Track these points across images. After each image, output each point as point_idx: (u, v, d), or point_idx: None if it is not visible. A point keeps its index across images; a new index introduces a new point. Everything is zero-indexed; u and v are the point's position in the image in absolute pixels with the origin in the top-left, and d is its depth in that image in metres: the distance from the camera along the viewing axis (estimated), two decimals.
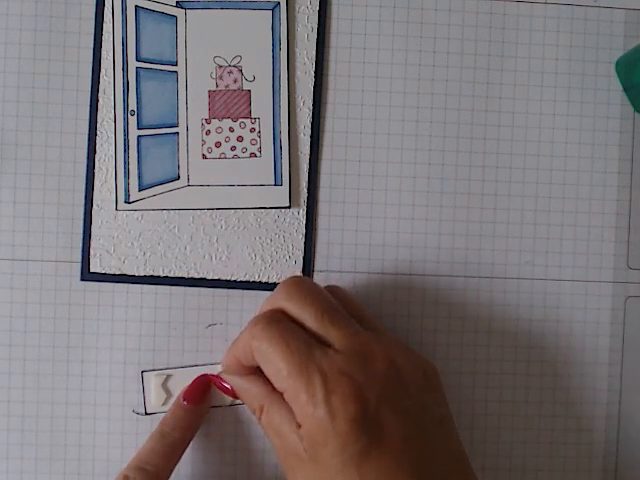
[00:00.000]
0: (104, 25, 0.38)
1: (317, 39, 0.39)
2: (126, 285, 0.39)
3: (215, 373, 0.37)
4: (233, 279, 0.39)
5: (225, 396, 0.37)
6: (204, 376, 0.38)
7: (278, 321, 0.32)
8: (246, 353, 0.33)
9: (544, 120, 0.40)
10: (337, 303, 0.34)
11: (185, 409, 0.36)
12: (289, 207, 0.39)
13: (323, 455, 0.30)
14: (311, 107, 0.39)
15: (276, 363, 0.31)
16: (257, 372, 0.34)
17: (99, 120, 0.38)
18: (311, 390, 0.30)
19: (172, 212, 0.39)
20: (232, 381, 0.35)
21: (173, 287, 0.39)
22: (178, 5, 0.38)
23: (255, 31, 0.39)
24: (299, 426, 0.31)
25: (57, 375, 0.38)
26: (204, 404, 0.37)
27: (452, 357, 0.40)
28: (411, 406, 0.31)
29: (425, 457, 0.30)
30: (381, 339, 0.32)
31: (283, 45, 0.39)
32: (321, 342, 0.31)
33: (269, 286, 0.39)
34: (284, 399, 0.32)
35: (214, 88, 0.38)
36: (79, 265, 0.38)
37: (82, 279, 0.38)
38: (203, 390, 0.37)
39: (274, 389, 0.33)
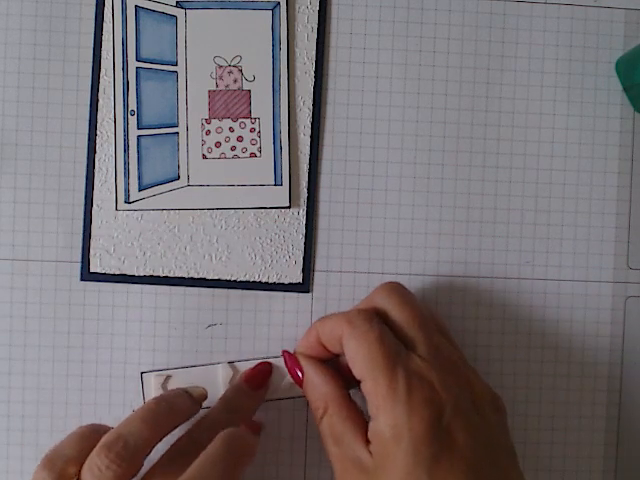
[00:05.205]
0: (104, 25, 0.38)
1: (317, 39, 0.39)
2: (126, 285, 0.39)
3: (288, 353, 0.37)
4: (233, 279, 0.39)
5: (275, 389, 0.38)
6: (267, 364, 0.38)
7: (378, 320, 0.33)
8: (333, 336, 0.34)
9: (544, 120, 0.40)
10: (428, 312, 0.35)
11: (245, 392, 0.37)
12: (289, 207, 0.39)
13: (394, 455, 0.30)
14: (311, 107, 0.39)
15: (366, 353, 0.32)
16: (329, 363, 0.35)
17: (99, 120, 0.38)
18: (393, 385, 0.31)
19: (172, 212, 0.39)
20: (306, 368, 0.35)
21: (173, 287, 0.39)
22: (178, 5, 0.38)
23: (255, 31, 0.39)
24: (367, 437, 0.32)
25: (57, 375, 0.38)
26: (263, 390, 0.37)
27: None
28: (482, 426, 0.32)
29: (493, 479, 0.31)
30: (461, 357, 0.34)
31: (283, 45, 0.39)
32: (406, 346, 0.33)
33: (269, 286, 0.39)
34: (351, 406, 0.33)
35: (214, 88, 0.39)
36: (79, 265, 0.38)
37: (82, 279, 0.38)
38: (263, 377, 0.37)
39: (343, 394, 0.34)
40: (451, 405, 0.31)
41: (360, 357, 0.32)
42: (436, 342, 0.33)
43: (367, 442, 0.32)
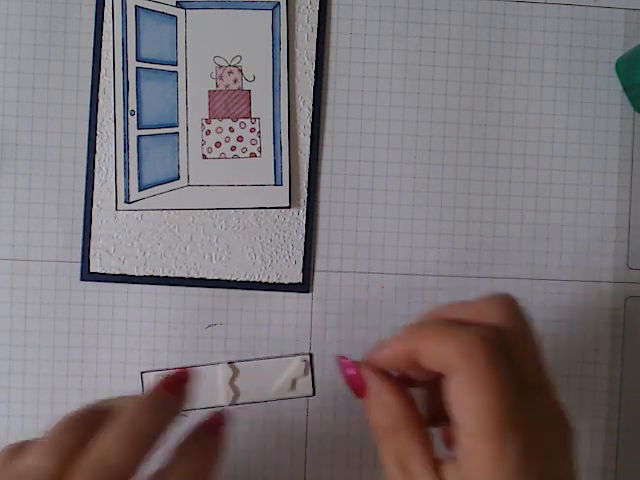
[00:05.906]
0: (104, 25, 0.38)
1: (317, 39, 0.39)
2: (126, 285, 0.39)
3: (360, 360, 0.30)
4: (233, 279, 0.39)
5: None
6: (185, 371, 0.31)
7: (502, 358, 0.27)
8: (438, 362, 0.27)
9: (544, 120, 0.40)
10: None
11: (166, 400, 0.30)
12: (289, 207, 0.39)
13: None
14: (311, 107, 0.39)
15: (480, 406, 0.26)
16: (405, 375, 0.30)
17: (99, 120, 0.38)
18: (502, 450, 0.25)
19: (172, 212, 0.39)
20: (372, 382, 0.30)
21: (173, 287, 0.39)
22: (178, 5, 0.38)
23: (255, 31, 0.39)
24: (435, 465, 0.27)
25: (57, 375, 0.38)
26: (185, 399, 0.31)
27: None
28: (552, 471, 0.27)
29: None
30: (562, 407, 0.28)
31: (283, 45, 0.39)
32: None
33: (269, 286, 0.39)
34: (422, 428, 0.29)
35: (214, 88, 0.39)
36: (79, 265, 0.38)
37: (82, 279, 0.38)
38: (182, 384, 0.31)
39: (415, 414, 0.29)
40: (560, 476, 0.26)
41: (472, 410, 0.26)
42: (555, 394, 0.28)
43: (434, 470, 0.28)
